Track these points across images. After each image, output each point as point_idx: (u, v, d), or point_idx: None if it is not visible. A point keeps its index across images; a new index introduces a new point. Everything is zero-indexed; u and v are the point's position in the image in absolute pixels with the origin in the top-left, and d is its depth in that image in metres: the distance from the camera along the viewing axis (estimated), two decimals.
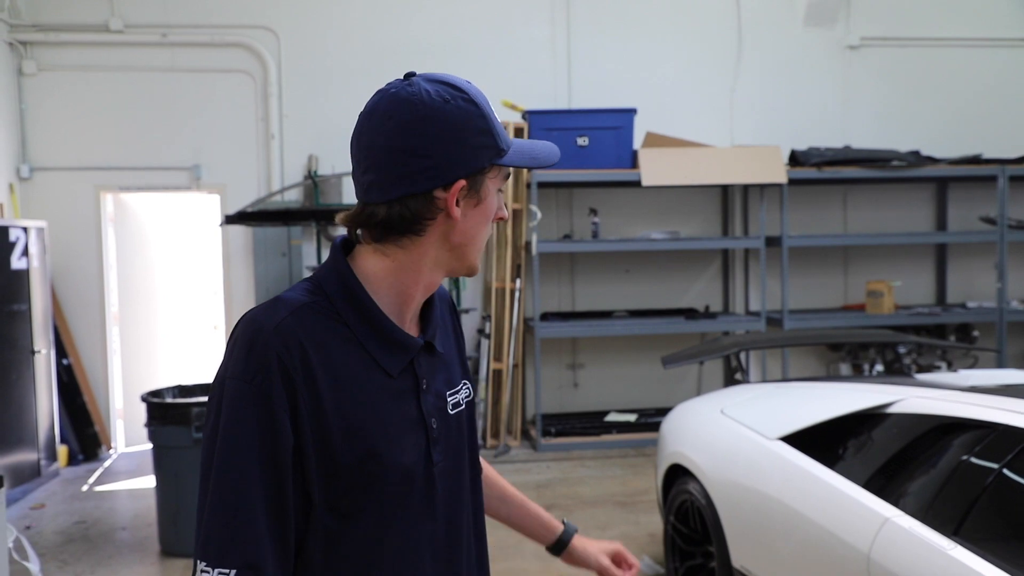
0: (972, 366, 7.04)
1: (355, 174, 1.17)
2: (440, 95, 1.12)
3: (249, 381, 1.07)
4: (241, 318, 1.14)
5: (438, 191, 1.12)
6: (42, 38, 6.54)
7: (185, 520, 4.34)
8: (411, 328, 1.22)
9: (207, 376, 5.92)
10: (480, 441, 6.24)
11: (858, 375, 6.71)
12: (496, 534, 5.06)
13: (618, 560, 1.60)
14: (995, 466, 2.28)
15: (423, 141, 1.11)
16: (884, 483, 2.55)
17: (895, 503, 2.40)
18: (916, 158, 6.81)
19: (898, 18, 7.39)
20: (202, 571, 1.04)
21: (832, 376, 6.57)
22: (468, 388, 1.33)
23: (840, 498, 2.54)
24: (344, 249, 1.21)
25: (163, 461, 4.38)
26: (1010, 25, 7.51)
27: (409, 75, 1.15)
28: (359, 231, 1.19)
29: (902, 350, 6.65)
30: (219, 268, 6.91)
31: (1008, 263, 6.89)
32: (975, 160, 6.94)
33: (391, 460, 1.13)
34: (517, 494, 1.60)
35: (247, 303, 6.62)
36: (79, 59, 6.64)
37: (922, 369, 6.73)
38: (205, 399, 4.08)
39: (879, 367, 6.85)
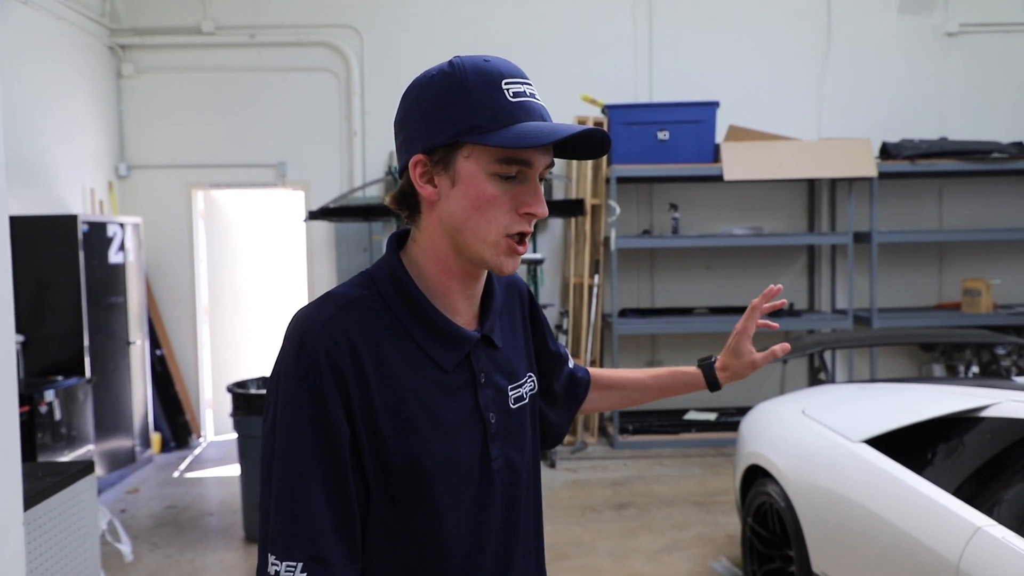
0: None
1: None
2: (430, 71, 1.13)
3: (302, 379, 1.08)
4: (294, 315, 1.15)
5: (409, 166, 1.13)
6: (139, 41, 6.82)
7: None
8: (468, 320, 1.20)
9: None
10: None
11: (952, 377, 6.42)
12: (570, 531, 5.01)
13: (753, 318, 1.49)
14: None
15: (402, 115, 1.15)
16: (976, 491, 2.43)
17: (988, 512, 2.28)
18: (1018, 149, 6.45)
19: (999, 2, 7.02)
20: (272, 563, 1.06)
21: (921, 377, 6.30)
22: (533, 381, 1.30)
23: (928, 505, 2.42)
24: (401, 240, 1.21)
25: (247, 450, 4.51)
26: None
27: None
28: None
29: (1001, 351, 6.32)
30: (303, 263, 7.08)
31: None
32: None
33: (443, 455, 1.13)
34: (647, 376, 1.54)
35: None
36: (173, 61, 6.90)
37: (1023, 372, 6.39)
38: None
39: (975, 369, 6.54)
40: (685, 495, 5.22)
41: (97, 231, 5.59)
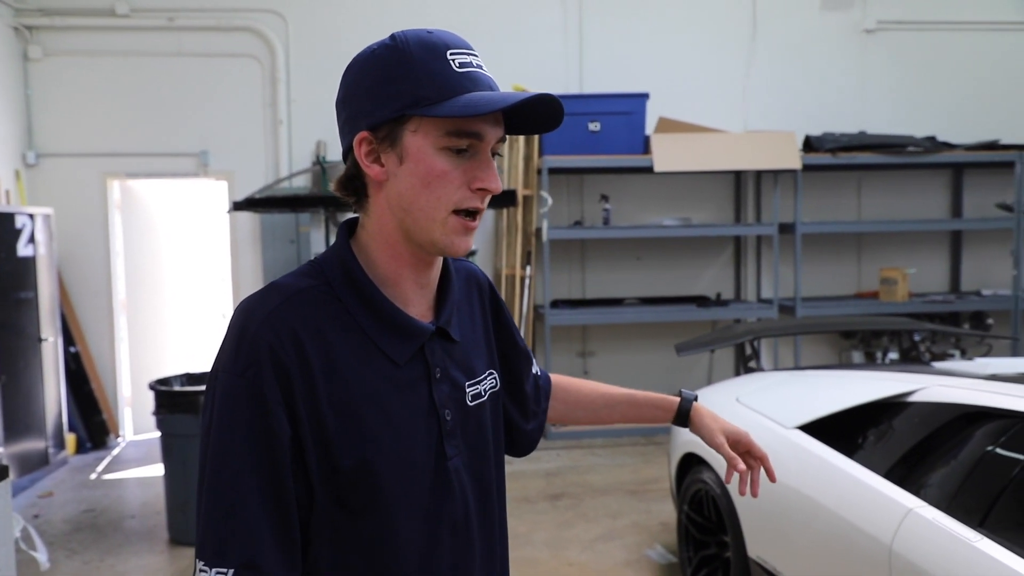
0: (986, 354, 6.95)
1: None
2: (371, 46, 1.08)
3: (240, 375, 1.01)
4: (237, 306, 1.08)
5: (354, 144, 1.07)
6: (48, 23, 6.48)
7: (194, 509, 4.31)
8: (423, 311, 1.14)
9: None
10: None
11: (871, 363, 6.63)
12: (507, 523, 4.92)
13: (739, 447, 1.40)
14: (1022, 457, 2.21)
15: (343, 94, 1.09)
16: (906, 473, 2.49)
17: (917, 494, 2.34)
18: (932, 143, 6.70)
19: (915, 1, 7.26)
20: (200, 570, 1.00)
21: (849, 364, 6.49)
22: (494, 378, 1.24)
23: (861, 488, 2.48)
24: (352, 228, 1.15)
25: (171, 449, 4.35)
26: None
27: None
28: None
29: (917, 338, 6.56)
30: (227, 255, 6.86)
31: None
32: (992, 146, 6.82)
33: (395, 454, 1.07)
34: (618, 392, 1.48)
35: (255, 290, 6.58)
36: (85, 44, 6.58)
37: (936, 357, 6.64)
38: None
39: (892, 355, 6.76)
40: (618, 484, 5.25)
41: (3, 222, 5.30)
